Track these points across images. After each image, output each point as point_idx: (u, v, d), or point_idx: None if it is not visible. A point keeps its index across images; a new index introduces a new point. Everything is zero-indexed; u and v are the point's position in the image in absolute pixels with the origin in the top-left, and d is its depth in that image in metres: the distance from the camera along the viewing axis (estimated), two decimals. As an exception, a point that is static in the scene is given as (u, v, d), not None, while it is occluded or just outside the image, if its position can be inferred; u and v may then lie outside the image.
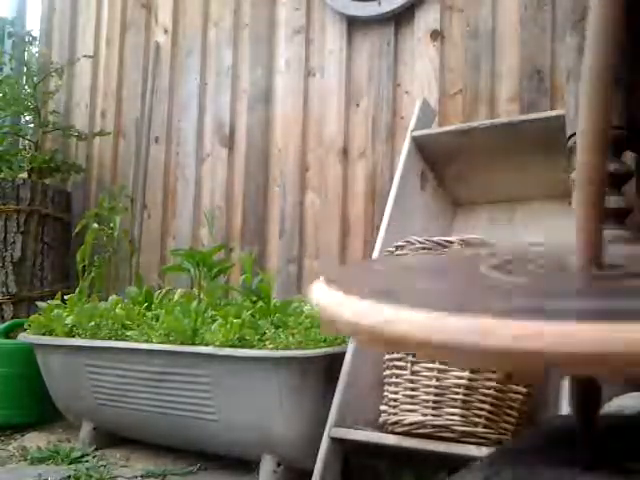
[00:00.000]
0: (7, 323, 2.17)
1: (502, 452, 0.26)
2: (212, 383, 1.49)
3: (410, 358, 1.26)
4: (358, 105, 2.08)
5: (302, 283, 2.10)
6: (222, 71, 2.38)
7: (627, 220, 1.13)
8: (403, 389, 1.26)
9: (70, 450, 1.73)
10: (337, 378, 1.36)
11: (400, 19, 2.02)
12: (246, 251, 2.15)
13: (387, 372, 1.32)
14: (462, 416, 1.19)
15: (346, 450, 1.34)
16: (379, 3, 2.01)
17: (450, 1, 1.95)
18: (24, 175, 2.50)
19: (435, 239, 1.27)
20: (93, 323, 1.73)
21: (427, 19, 1.97)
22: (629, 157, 1.21)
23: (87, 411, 1.80)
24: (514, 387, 1.23)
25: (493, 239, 1.25)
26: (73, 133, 2.60)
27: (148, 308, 1.80)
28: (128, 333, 1.66)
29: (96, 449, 1.78)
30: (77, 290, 1.99)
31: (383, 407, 1.31)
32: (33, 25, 3.00)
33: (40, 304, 1.94)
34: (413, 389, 1.24)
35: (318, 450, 1.31)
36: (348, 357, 1.38)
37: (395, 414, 1.26)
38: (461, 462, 0.26)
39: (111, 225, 2.27)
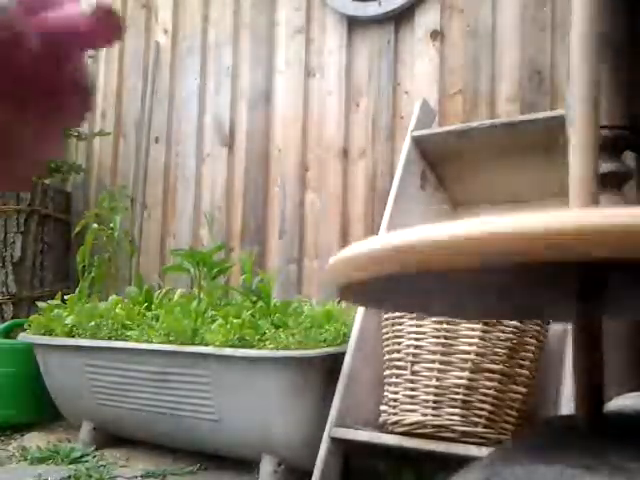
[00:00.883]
0: (7, 323, 2.17)
1: (502, 452, 0.26)
2: (212, 383, 1.49)
3: (410, 358, 1.26)
4: (358, 105, 2.08)
5: (302, 283, 2.10)
6: (222, 71, 2.38)
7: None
8: (403, 389, 1.26)
9: (70, 450, 1.73)
10: (337, 378, 1.36)
11: (400, 19, 2.02)
12: (246, 251, 2.15)
13: (387, 372, 1.32)
14: (462, 416, 1.19)
15: (346, 450, 1.34)
16: (379, 3, 2.01)
17: (450, 1, 1.95)
18: (24, 175, 2.50)
19: (435, 239, 1.26)
20: (93, 323, 1.73)
21: (427, 19, 1.97)
22: (629, 157, 1.21)
23: (87, 411, 1.80)
24: (514, 387, 1.23)
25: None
26: (73, 133, 2.60)
27: (148, 308, 1.80)
28: (128, 333, 1.66)
29: (96, 449, 1.78)
30: (77, 290, 1.99)
31: (383, 407, 1.31)
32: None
33: (40, 304, 1.94)
34: (413, 389, 1.24)
35: (318, 450, 1.31)
36: (348, 357, 1.38)
37: (395, 414, 1.26)
38: (461, 462, 0.26)
39: (111, 225, 2.27)
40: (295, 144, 2.17)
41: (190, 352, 1.51)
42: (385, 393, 1.32)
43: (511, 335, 1.22)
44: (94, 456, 1.72)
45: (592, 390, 0.26)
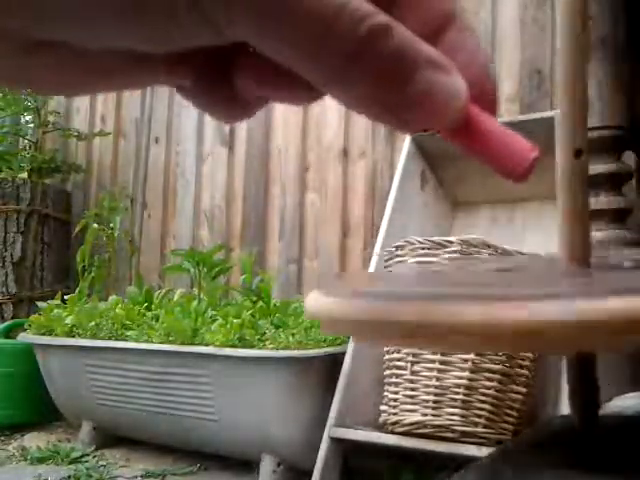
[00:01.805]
0: (7, 323, 2.17)
1: (502, 452, 0.26)
2: (212, 383, 1.50)
3: (410, 358, 1.26)
4: (358, 105, 2.08)
5: (302, 283, 2.10)
6: (222, 71, 2.38)
7: (628, 220, 1.13)
8: (403, 389, 1.26)
9: (70, 450, 1.73)
10: (337, 378, 1.36)
11: (400, 19, 2.02)
12: (246, 251, 2.15)
13: (387, 372, 1.32)
14: (462, 416, 1.19)
15: (346, 450, 1.34)
16: (379, 3, 2.01)
17: (450, 1, 1.95)
18: (24, 175, 2.50)
19: (435, 239, 1.26)
20: (93, 323, 1.73)
21: (427, 19, 1.97)
22: (629, 157, 1.21)
23: (87, 411, 1.80)
24: (514, 387, 1.23)
25: (493, 239, 1.25)
26: (73, 133, 2.60)
27: (148, 308, 1.80)
28: (128, 333, 1.66)
29: (96, 449, 1.78)
30: (77, 290, 1.99)
31: (383, 407, 1.31)
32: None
33: (40, 304, 1.94)
34: (413, 389, 1.24)
35: (318, 450, 1.31)
36: (348, 357, 1.38)
37: (395, 414, 1.26)
38: (461, 462, 0.26)
39: (111, 225, 2.27)
40: (295, 144, 2.17)
41: (190, 352, 1.51)
42: (385, 393, 1.32)
43: (511, 335, 1.22)
44: (94, 456, 1.72)
45: (591, 390, 0.26)
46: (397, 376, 1.28)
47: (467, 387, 1.20)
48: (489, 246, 1.20)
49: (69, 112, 2.79)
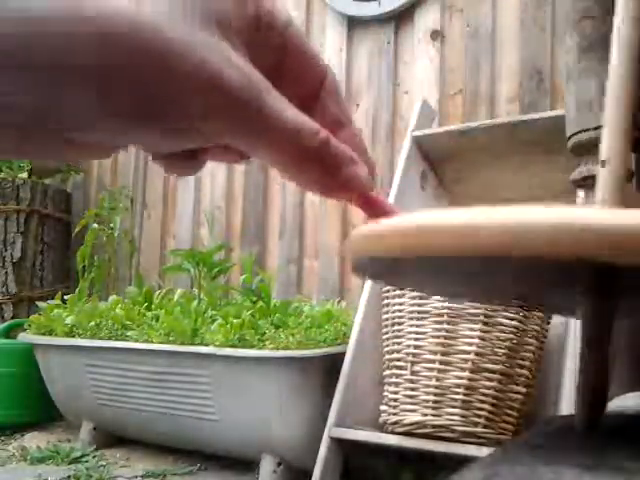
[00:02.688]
0: (7, 323, 2.17)
1: (502, 452, 0.26)
2: (212, 383, 1.50)
3: (410, 358, 1.26)
4: (358, 105, 2.08)
5: (302, 283, 2.10)
6: (222, 71, 2.38)
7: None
8: (403, 389, 1.26)
9: (70, 450, 1.73)
10: (337, 378, 1.36)
11: (400, 19, 2.02)
12: (246, 251, 2.15)
13: (387, 372, 1.32)
14: (462, 416, 1.19)
15: (346, 450, 1.34)
16: (379, 3, 2.01)
17: (450, 1, 1.95)
18: (24, 175, 2.50)
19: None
20: (93, 323, 1.73)
21: (427, 19, 1.97)
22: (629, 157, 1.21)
23: (87, 411, 1.80)
24: (514, 387, 1.23)
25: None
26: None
27: (148, 308, 1.80)
28: (128, 333, 1.66)
29: (96, 449, 1.78)
30: (77, 290, 1.99)
31: (383, 407, 1.31)
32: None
33: (40, 304, 1.94)
34: (413, 389, 1.24)
35: (318, 450, 1.31)
36: (348, 357, 1.38)
37: (395, 414, 1.26)
38: (461, 462, 0.26)
39: (111, 225, 2.27)
40: (295, 144, 2.17)
41: (190, 352, 1.51)
42: (385, 393, 1.32)
43: (511, 335, 1.22)
44: (94, 456, 1.72)
45: (596, 389, 0.26)
46: (397, 376, 1.28)
47: (467, 387, 1.20)
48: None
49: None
